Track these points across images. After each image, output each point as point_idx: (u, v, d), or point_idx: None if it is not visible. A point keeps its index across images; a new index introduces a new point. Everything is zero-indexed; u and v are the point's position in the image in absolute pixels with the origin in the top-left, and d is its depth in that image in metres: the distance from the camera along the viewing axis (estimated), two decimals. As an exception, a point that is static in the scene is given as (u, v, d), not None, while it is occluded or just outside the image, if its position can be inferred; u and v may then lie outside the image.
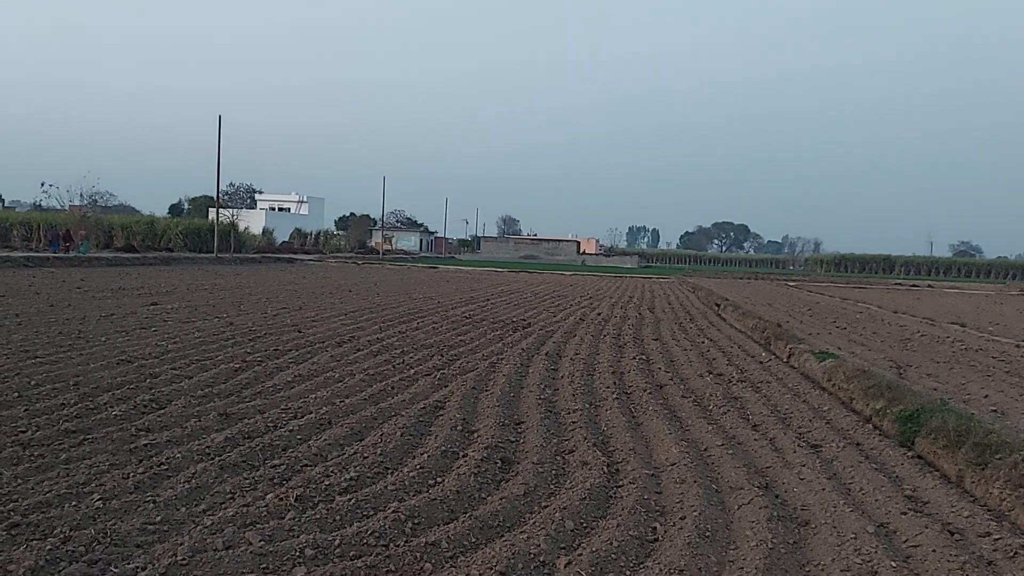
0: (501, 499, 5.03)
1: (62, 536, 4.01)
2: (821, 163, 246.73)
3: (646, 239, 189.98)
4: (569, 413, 7.72)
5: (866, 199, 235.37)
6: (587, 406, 8.06)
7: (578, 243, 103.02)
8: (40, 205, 54.76)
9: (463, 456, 6.00)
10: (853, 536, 4.51)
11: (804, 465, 6.05)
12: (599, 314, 19.23)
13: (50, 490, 4.73)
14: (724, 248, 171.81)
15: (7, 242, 45.29)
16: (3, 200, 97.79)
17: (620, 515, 4.80)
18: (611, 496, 5.29)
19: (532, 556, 4.11)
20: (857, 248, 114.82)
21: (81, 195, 49.13)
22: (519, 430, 7.03)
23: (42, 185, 51.47)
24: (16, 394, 7.13)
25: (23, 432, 5.93)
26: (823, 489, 5.42)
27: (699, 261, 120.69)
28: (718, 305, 23.12)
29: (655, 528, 4.70)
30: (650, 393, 8.87)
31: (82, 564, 3.73)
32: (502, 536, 4.45)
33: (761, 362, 11.91)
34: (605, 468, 5.83)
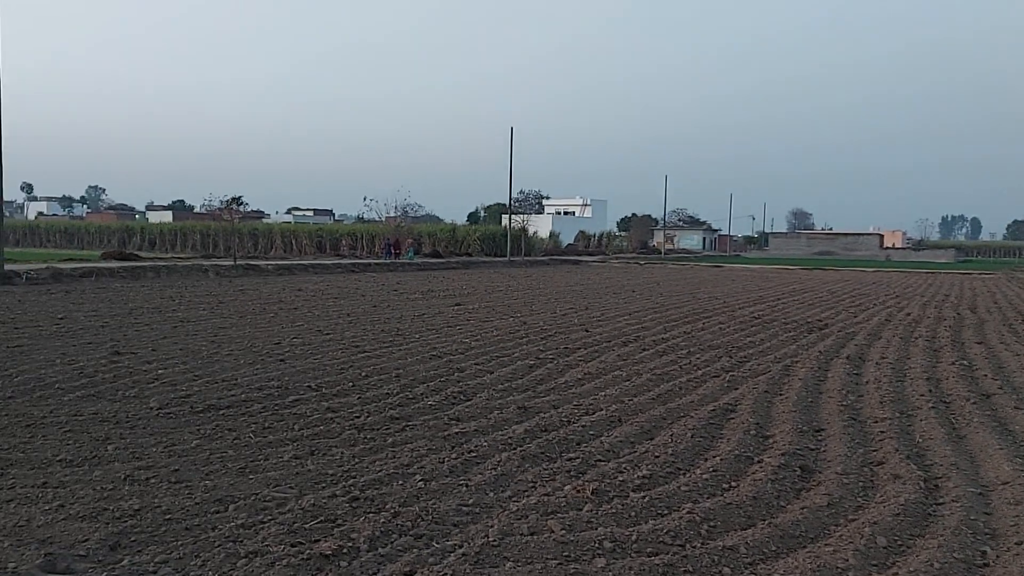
0: (802, 508, 4.80)
1: (392, 511, 4.54)
2: None
3: (964, 230, 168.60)
4: (876, 422, 7.12)
5: None
6: (897, 415, 7.38)
7: (881, 236, 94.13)
8: (363, 217, 62.18)
9: (758, 461, 5.80)
10: None
11: None
12: (908, 314, 17.48)
13: (380, 469, 5.37)
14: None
15: (337, 250, 52.13)
16: (333, 214, 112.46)
17: (941, 535, 4.34)
18: (929, 514, 4.79)
19: (839, 571, 3.87)
20: None
21: (396, 207, 55.02)
22: (819, 438, 6.63)
23: (364, 200, 58.54)
24: (351, 384, 8.19)
25: (357, 417, 6.81)
26: None
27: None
28: (1059, 304, 19.88)
29: (984, 552, 4.18)
30: (974, 403, 7.88)
31: (409, 537, 4.19)
32: (804, 547, 4.23)
33: (1121, 371, 10.04)
34: (921, 483, 5.30)
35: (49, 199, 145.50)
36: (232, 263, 29.48)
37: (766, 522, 4.55)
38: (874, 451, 6.20)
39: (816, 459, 5.96)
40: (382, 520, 4.38)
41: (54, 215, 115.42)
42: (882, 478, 5.49)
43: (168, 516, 4.42)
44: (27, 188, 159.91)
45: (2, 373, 8.35)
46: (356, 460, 5.61)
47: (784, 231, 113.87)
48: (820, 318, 16.25)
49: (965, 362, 10.57)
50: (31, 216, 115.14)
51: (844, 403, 7.84)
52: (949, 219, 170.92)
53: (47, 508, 4.49)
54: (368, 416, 6.86)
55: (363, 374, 8.72)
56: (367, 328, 12.85)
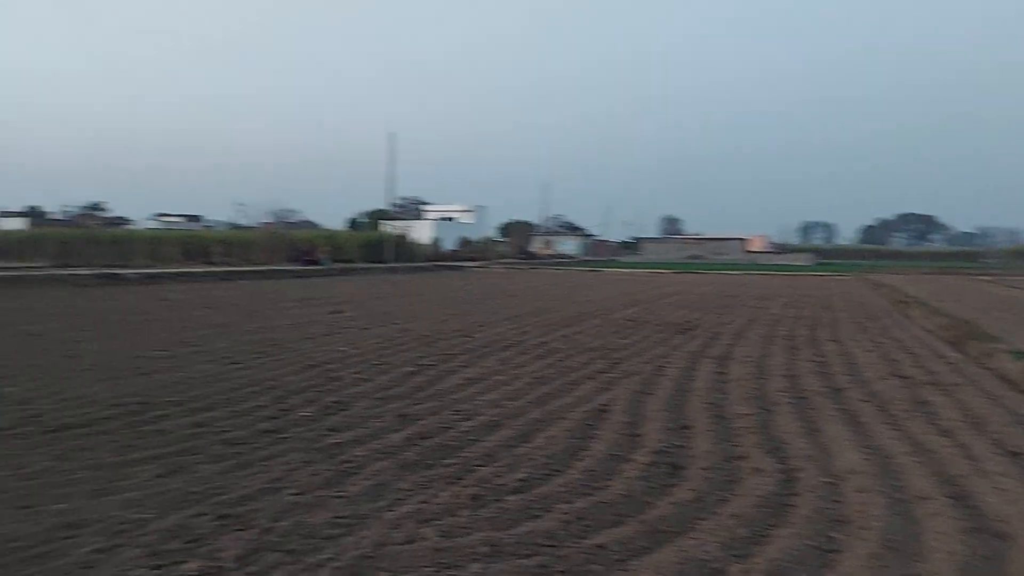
0: (670, 504, 4.98)
1: (263, 527, 4.39)
2: (1017, 145, 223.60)
3: (821, 234, 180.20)
4: (739, 418, 7.50)
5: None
6: (759, 411, 7.80)
7: (746, 241, 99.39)
8: (235, 223, 59.89)
9: (629, 460, 5.99)
10: (1064, 555, 4.09)
11: (1002, 474, 5.55)
12: (770, 315, 18.50)
13: (250, 485, 5.19)
14: (909, 241, 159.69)
15: (208, 258, 49.99)
16: (200, 220, 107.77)
17: (796, 524, 4.62)
18: (786, 504, 5.09)
19: (704, 563, 4.05)
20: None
21: (270, 213, 53.35)
22: (686, 435, 6.91)
23: (237, 205, 56.40)
24: (220, 397, 7.87)
25: (227, 432, 6.54)
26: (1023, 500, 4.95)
27: (881, 256, 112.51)
28: (903, 303, 21.58)
29: (834, 538, 4.48)
30: (827, 397, 8.44)
31: (280, 553, 4.07)
32: (672, 541, 4.40)
33: (951, 363, 11.01)
34: (779, 475, 5.62)
35: None
36: (91, 272, 27.70)
37: (636, 519, 4.69)
38: (737, 446, 6.52)
39: (683, 456, 6.21)
40: (250, 537, 4.24)
41: None
42: (744, 472, 5.78)
43: (12, 544, 4.11)
44: None
45: None
46: (224, 476, 5.39)
47: (656, 236, 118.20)
48: (689, 319, 16.95)
49: (820, 359, 11.29)
50: None
51: (710, 401, 8.21)
52: (808, 224, 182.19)
53: None
54: (238, 430, 6.61)
55: (233, 387, 8.39)
56: (239, 338, 12.39)
